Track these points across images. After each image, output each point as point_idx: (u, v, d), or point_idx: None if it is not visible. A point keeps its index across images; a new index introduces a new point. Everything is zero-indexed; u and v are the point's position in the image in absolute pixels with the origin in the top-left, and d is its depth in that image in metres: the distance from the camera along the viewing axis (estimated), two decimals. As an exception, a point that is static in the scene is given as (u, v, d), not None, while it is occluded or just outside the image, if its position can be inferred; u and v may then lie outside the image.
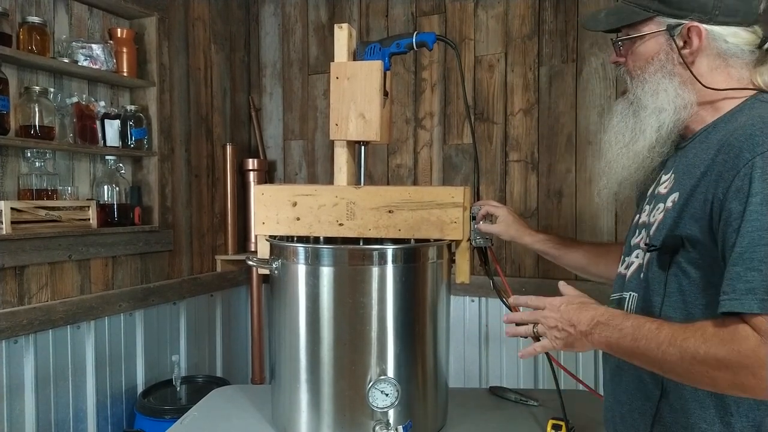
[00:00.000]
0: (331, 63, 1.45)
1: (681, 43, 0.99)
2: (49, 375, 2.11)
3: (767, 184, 0.83)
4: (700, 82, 0.99)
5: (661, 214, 1.00)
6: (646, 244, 1.01)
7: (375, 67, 1.42)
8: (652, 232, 1.01)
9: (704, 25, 0.97)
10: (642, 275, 1.03)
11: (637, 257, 1.07)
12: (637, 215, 1.13)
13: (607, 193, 1.14)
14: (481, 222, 1.47)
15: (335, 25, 1.46)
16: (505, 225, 1.46)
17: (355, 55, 1.48)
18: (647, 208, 1.08)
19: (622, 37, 1.07)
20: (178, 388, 2.48)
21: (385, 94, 1.49)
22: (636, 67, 1.05)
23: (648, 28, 1.02)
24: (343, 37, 1.46)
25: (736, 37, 0.97)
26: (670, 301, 0.96)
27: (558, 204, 2.56)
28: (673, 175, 1.03)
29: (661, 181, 1.06)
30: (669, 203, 0.99)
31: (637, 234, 1.09)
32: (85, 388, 2.25)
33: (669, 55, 1.01)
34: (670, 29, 0.99)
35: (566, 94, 2.54)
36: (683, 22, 0.98)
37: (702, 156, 0.96)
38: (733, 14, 0.96)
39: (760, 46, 0.99)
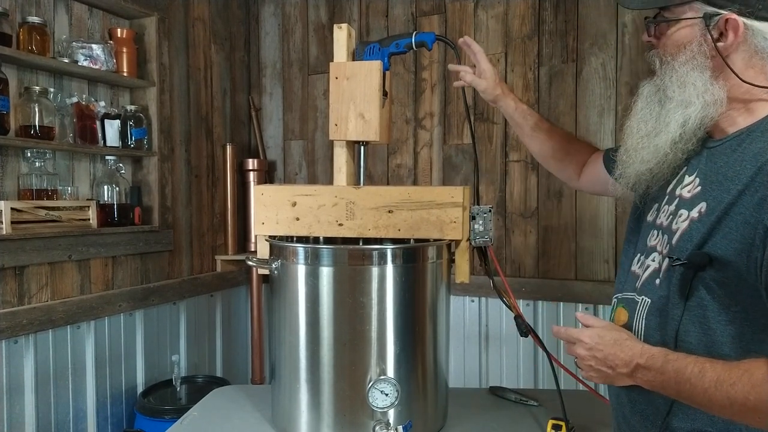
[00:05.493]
0: (331, 63, 1.45)
1: (716, 35, 0.93)
2: (49, 375, 2.11)
3: None
4: (737, 77, 0.92)
5: (685, 223, 0.95)
6: (669, 257, 0.96)
7: (374, 67, 1.41)
8: (674, 241, 0.97)
9: (744, 19, 0.90)
10: (658, 281, 1.00)
11: (653, 260, 1.03)
12: (655, 213, 1.08)
13: (625, 183, 1.08)
14: (468, 74, 1.48)
15: (335, 25, 1.46)
16: (492, 83, 1.45)
17: (355, 55, 1.48)
18: (666, 208, 1.03)
19: (658, 18, 1.01)
20: (178, 388, 2.48)
21: (385, 94, 1.49)
22: (666, 53, 0.99)
23: (684, 14, 0.95)
24: (342, 37, 1.45)
25: None
26: (690, 315, 0.93)
27: (558, 204, 2.56)
28: (698, 179, 0.98)
29: (685, 183, 1.01)
30: (695, 213, 0.94)
31: (655, 235, 1.05)
32: (85, 388, 2.25)
33: (701, 47, 0.94)
34: (707, 18, 0.92)
35: (566, 94, 2.54)
36: (722, 12, 0.91)
37: (736, 168, 0.91)
38: None
39: None
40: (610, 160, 1.27)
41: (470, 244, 1.45)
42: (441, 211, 1.40)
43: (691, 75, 0.95)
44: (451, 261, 1.48)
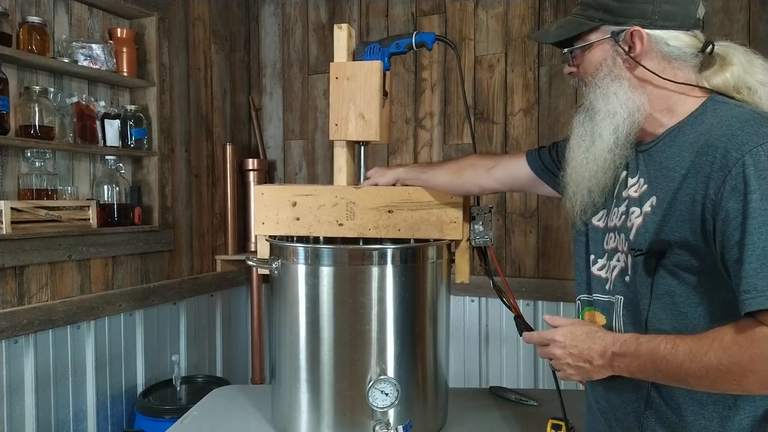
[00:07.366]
0: (331, 63, 1.45)
1: (626, 48, 1.02)
2: (49, 375, 2.11)
3: (763, 181, 0.84)
4: (657, 75, 1.01)
5: (639, 218, 1.01)
6: (632, 249, 1.01)
7: (374, 67, 1.42)
8: (632, 236, 1.02)
9: (645, 30, 1.00)
10: (628, 278, 1.04)
11: (618, 261, 1.07)
12: (604, 218, 1.12)
13: (580, 200, 1.13)
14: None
15: (335, 25, 1.46)
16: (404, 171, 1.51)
17: (355, 55, 1.48)
18: (616, 210, 1.09)
19: (572, 47, 1.11)
20: (178, 388, 2.48)
21: (385, 94, 1.49)
22: (587, 74, 1.08)
23: (594, 37, 1.06)
24: (342, 37, 1.46)
25: (677, 40, 1.01)
26: (659, 303, 0.97)
27: (558, 204, 2.56)
28: (642, 179, 1.04)
29: (629, 185, 1.07)
30: (647, 207, 1.00)
31: (613, 238, 1.10)
32: (85, 388, 2.25)
33: (615, 60, 1.04)
34: (615, 35, 1.03)
35: (566, 94, 2.54)
36: (626, 27, 1.02)
37: (676, 159, 0.98)
38: (672, 18, 1.00)
39: (702, 50, 1.02)
40: (536, 160, 1.39)
41: (470, 244, 1.45)
42: (441, 211, 1.40)
43: (612, 86, 1.04)
44: (451, 261, 1.48)
